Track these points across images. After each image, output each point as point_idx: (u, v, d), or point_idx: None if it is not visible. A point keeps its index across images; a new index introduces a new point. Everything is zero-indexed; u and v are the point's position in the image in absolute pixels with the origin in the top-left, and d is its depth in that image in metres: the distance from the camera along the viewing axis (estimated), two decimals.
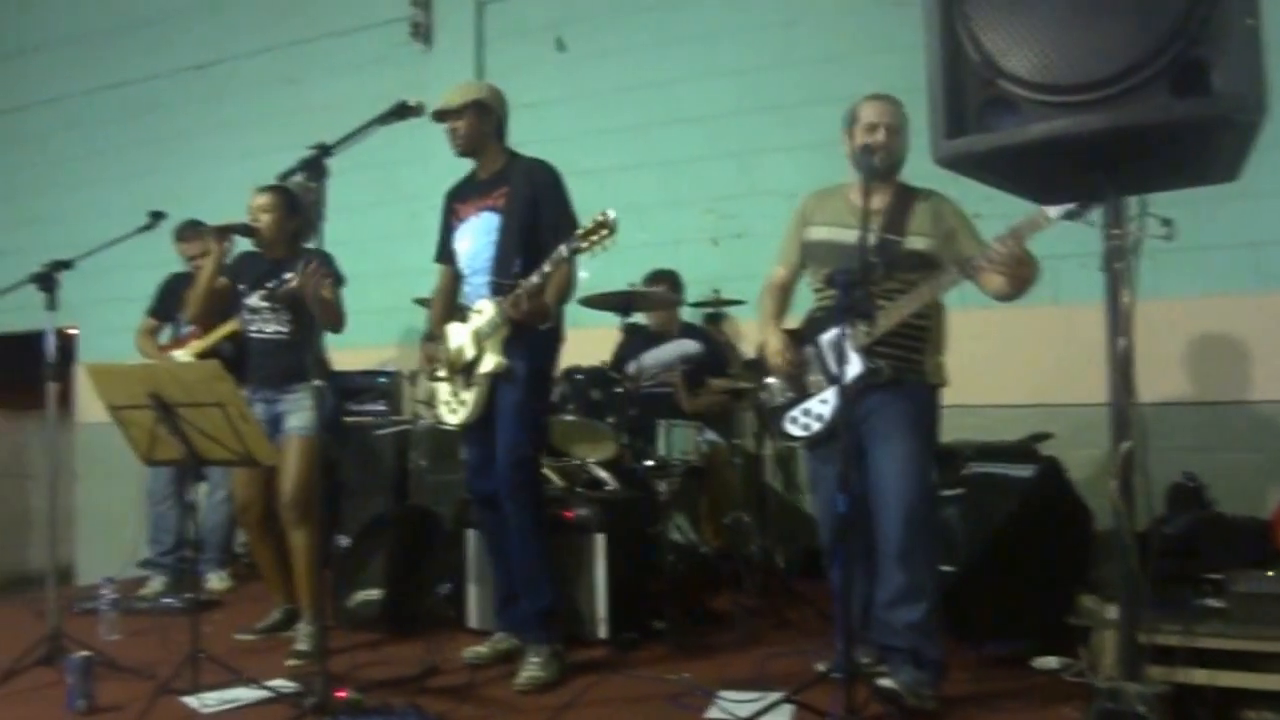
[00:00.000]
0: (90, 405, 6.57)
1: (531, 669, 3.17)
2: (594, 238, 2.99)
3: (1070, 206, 2.33)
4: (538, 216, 3.28)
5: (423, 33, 5.97)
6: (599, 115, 5.50)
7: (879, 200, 2.93)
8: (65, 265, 3.56)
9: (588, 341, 4.83)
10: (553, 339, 3.42)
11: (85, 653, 3.06)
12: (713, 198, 5.22)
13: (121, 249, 3.93)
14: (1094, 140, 1.76)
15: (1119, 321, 1.93)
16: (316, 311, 3.59)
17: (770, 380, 3.16)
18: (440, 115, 3.35)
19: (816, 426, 3.00)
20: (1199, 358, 4.23)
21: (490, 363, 3.27)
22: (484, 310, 3.30)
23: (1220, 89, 1.65)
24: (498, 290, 3.28)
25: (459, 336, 3.41)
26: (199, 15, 6.88)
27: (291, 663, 3.46)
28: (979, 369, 4.40)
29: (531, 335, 3.28)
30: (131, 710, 2.92)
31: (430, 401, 3.62)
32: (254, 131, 6.55)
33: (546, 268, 3.11)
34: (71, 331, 7.26)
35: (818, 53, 4.99)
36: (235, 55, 6.70)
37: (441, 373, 3.45)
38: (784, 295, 3.23)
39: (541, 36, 5.68)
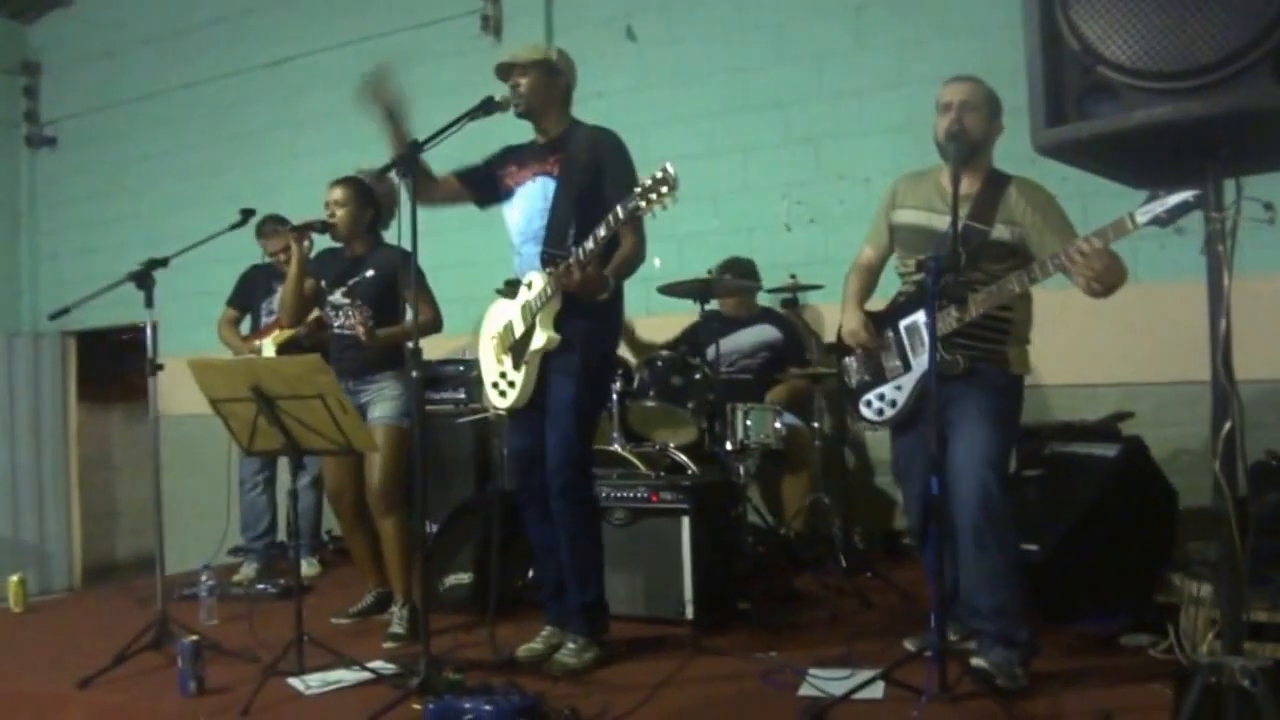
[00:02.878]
0: (171, 398, 6.78)
1: (565, 655, 3.17)
2: (653, 196, 2.82)
3: (1158, 213, 2.33)
4: (599, 185, 3.12)
5: (493, 25, 6.05)
6: (671, 103, 5.53)
7: (968, 186, 2.92)
8: (161, 263, 3.66)
9: (665, 328, 4.92)
10: (612, 324, 3.30)
11: (195, 637, 3.18)
12: (786, 184, 5.24)
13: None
14: (1196, 127, 1.77)
15: (1220, 303, 1.93)
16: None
17: (847, 361, 3.19)
18: (505, 70, 3.24)
19: (890, 412, 3.05)
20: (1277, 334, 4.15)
21: (541, 339, 3.12)
22: (534, 283, 3.17)
23: None
24: (549, 261, 3.14)
25: (508, 313, 3.28)
26: (273, 13, 7.03)
27: (388, 645, 3.60)
28: (1058, 348, 4.37)
29: (589, 320, 3.16)
30: (239, 692, 3.03)
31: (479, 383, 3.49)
32: (328, 127, 6.65)
33: (601, 232, 2.97)
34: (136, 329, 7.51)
35: (890, 37, 4.98)
36: (308, 51, 6.82)
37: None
38: (869, 276, 3.23)
39: (612, 26, 5.72)
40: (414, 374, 2.94)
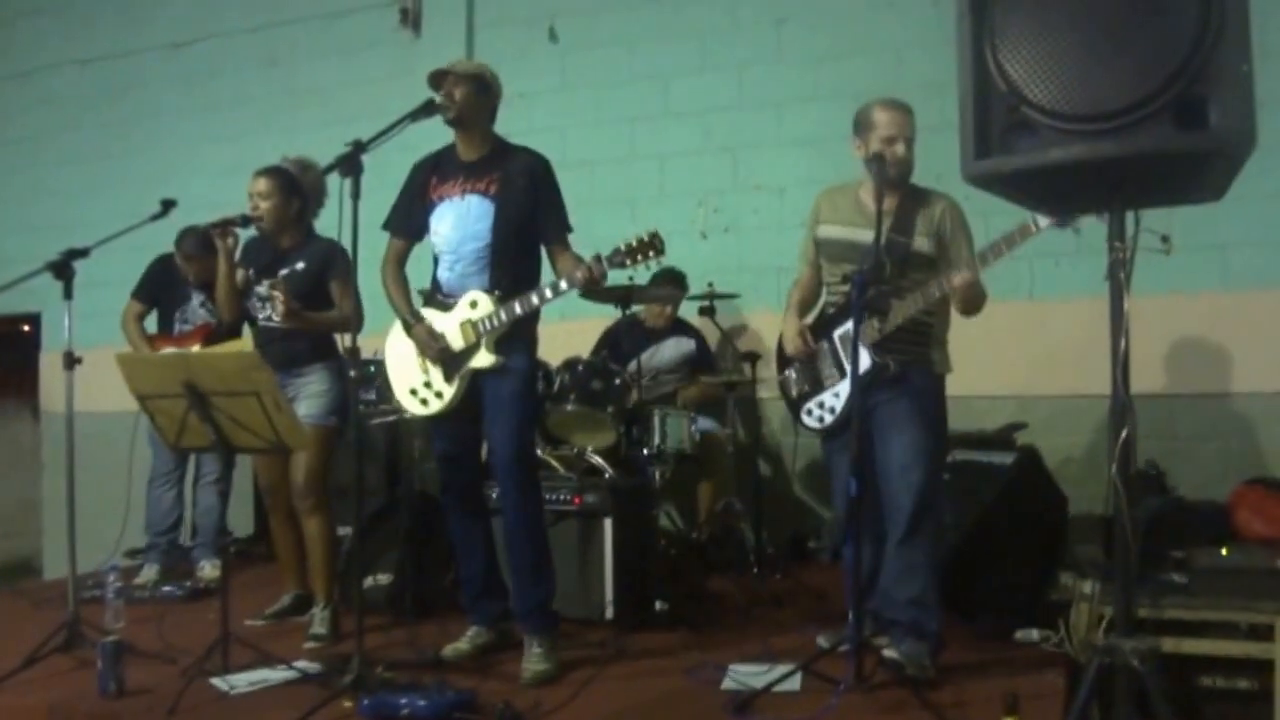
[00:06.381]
0: (56, 394, 6.50)
1: (536, 662, 3.19)
2: (639, 256, 3.10)
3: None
4: (534, 214, 3.26)
5: (411, 19, 6.01)
6: (590, 107, 5.61)
7: (888, 201, 3.08)
8: (81, 253, 3.55)
9: (583, 333, 4.99)
10: (536, 342, 3.42)
11: (115, 637, 3.14)
12: (703, 192, 5.37)
13: (85, 232, 3.83)
14: (1104, 165, 1.96)
15: (1120, 323, 2.13)
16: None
17: (787, 373, 3.34)
18: (439, 77, 3.25)
19: (829, 419, 3.21)
20: (1162, 353, 4.47)
21: (487, 359, 3.23)
22: (480, 303, 3.24)
23: (1216, 124, 1.85)
24: (497, 285, 3.24)
25: (441, 324, 3.32)
26: None
27: (310, 645, 3.58)
28: (958, 362, 4.64)
29: (527, 333, 3.32)
30: (160, 693, 3.01)
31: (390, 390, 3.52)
32: (233, 113, 6.54)
33: (580, 274, 3.12)
34: (26, 321, 7.21)
35: (808, 51, 5.15)
36: (215, 34, 6.64)
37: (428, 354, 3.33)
38: (810, 291, 3.39)
39: (534, 26, 5.75)
40: (350, 374, 2.97)
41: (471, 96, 3.26)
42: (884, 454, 3.03)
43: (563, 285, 3.17)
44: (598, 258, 3.14)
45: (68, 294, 3.53)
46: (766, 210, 5.17)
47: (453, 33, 5.94)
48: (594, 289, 3.22)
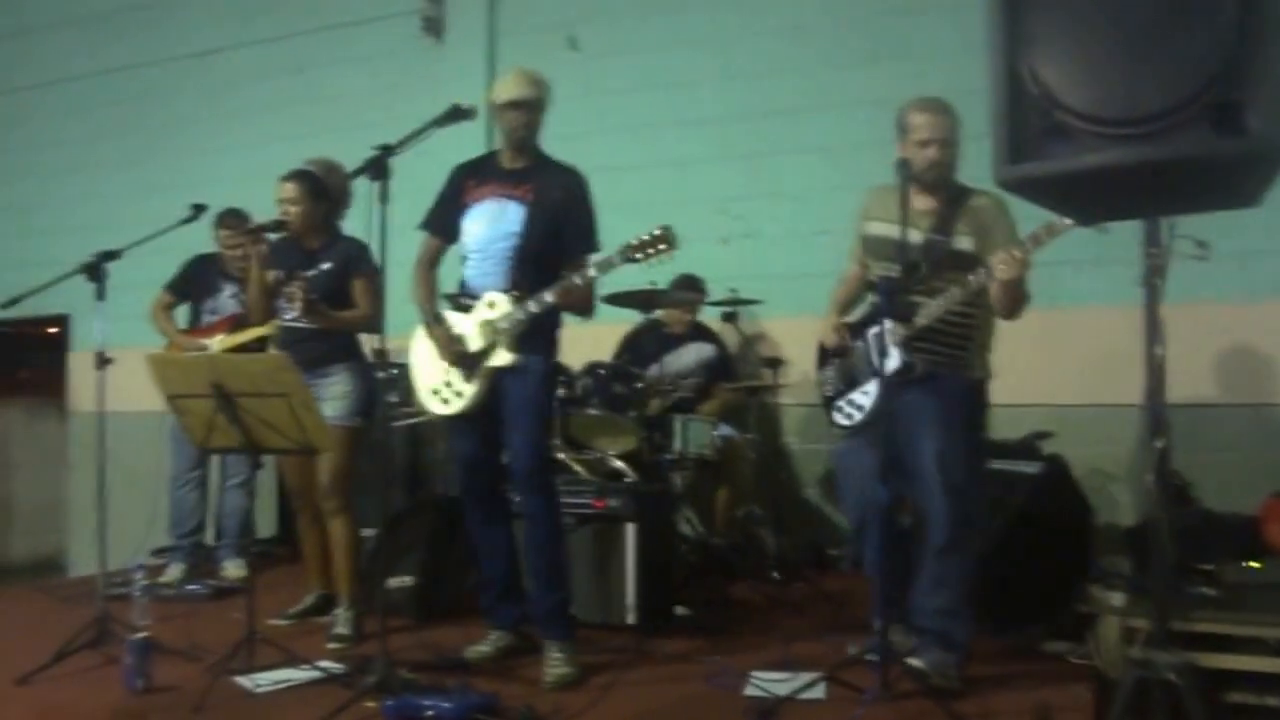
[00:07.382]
0: (85, 394, 6.58)
1: (557, 666, 3.19)
2: (650, 250, 3.10)
3: None
4: (565, 222, 3.30)
5: (434, 27, 6.05)
6: (611, 113, 5.61)
7: (930, 201, 3.07)
8: (114, 255, 3.61)
9: (604, 337, 4.99)
10: (557, 343, 3.45)
11: (145, 634, 3.15)
12: (723, 199, 5.36)
13: (108, 237, 3.87)
14: (1140, 170, 1.94)
15: (1154, 331, 2.11)
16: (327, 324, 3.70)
17: (824, 372, 3.33)
18: (515, 104, 3.29)
19: (858, 416, 3.19)
20: (1185, 362, 4.40)
21: (504, 358, 3.26)
22: (497, 303, 3.29)
23: (1255, 129, 1.83)
24: (516, 286, 3.27)
25: (460, 325, 3.37)
26: (200, 3, 6.90)
27: (333, 646, 3.60)
28: None
29: (547, 334, 3.34)
30: (186, 690, 3.04)
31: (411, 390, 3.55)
32: (257, 121, 6.59)
33: (591, 272, 3.16)
34: (55, 323, 7.28)
35: (828, 59, 5.15)
36: (239, 43, 6.72)
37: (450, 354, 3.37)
38: (852, 287, 3.36)
39: (555, 33, 5.77)
40: (378, 375, 2.99)
41: (538, 117, 3.36)
42: (916, 460, 2.98)
43: (576, 280, 3.18)
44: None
45: (100, 295, 3.58)
46: (787, 217, 5.17)
47: (474, 40, 5.98)
48: (582, 300, 3.24)
